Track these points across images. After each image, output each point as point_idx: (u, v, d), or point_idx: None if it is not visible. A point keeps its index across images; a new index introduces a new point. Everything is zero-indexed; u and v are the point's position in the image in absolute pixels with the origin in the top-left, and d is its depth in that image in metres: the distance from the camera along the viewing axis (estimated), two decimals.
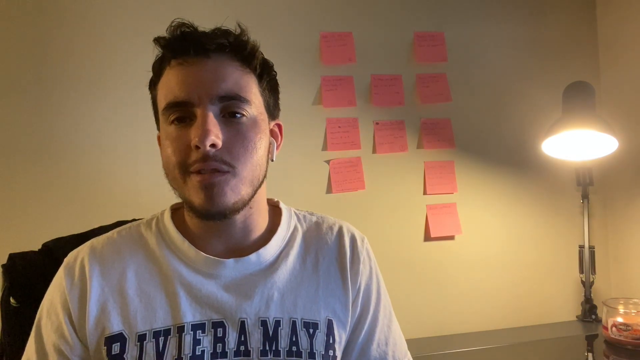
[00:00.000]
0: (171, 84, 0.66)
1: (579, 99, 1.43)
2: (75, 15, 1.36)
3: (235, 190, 0.65)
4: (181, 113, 0.66)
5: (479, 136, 1.64)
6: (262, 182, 0.71)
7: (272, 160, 0.74)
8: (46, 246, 0.88)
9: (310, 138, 1.51)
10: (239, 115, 0.67)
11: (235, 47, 0.68)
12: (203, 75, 0.65)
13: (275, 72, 0.75)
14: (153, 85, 0.72)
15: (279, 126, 0.78)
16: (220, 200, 0.64)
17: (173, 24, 0.68)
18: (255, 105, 0.69)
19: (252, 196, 0.69)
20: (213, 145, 0.63)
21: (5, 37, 1.32)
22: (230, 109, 0.66)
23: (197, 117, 0.64)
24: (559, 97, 1.51)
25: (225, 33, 0.68)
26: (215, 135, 0.63)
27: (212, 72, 0.66)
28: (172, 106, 0.66)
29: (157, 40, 0.69)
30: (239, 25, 0.69)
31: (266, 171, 0.71)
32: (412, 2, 1.62)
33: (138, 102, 1.38)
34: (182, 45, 0.66)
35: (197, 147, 0.63)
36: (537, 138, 1.55)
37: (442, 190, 1.60)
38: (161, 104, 0.68)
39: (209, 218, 0.67)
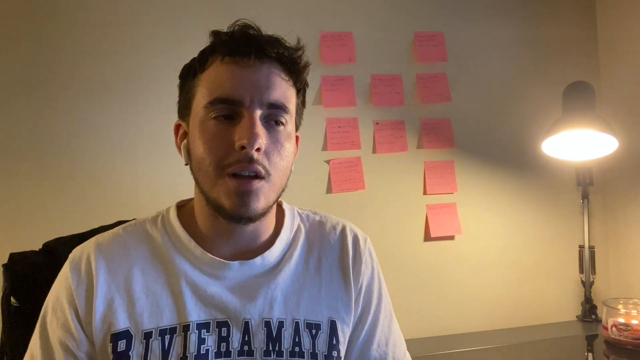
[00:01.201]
0: (222, 80, 0.66)
1: (579, 99, 1.43)
2: (78, 18, 1.36)
3: (267, 198, 0.67)
4: (227, 111, 0.65)
5: (479, 136, 1.64)
6: (283, 190, 0.72)
7: (292, 171, 0.74)
8: (47, 246, 0.87)
9: (310, 138, 1.51)
10: (280, 124, 0.68)
11: (291, 59, 0.69)
12: (257, 79, 0.66)
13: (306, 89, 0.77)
14: (193, 73, 0.70)
15: (297, 138, 0.79)
16: (254, 206, 0.65)
17: (238, 23, 0.68)
18: (292, 117, 0.71)
19: (274, 203, 0.71)
20: (258, 149, 0.64)
21: (8, 39, 1.32)
22: (274, 117, 0.67)
23: (245, 118, 0.65)
24: (559, 97, 1.51)
25: (284, 44, 0.69)
26: (262, 139, 0.64)
27: (266, 78, 0.67)
28: (220, 102, 0.65)
29: (217, 35, 0.69)
30: (299, 41, 0.71)
31: (287, 182, 0.72)
32: (412, 2, 1.62)
33: (139, 103, 1.39)
34: (245, 46, 0.66)
35: (242, 148, 0.63)
36: (537, 138, 1.55)
37: (442, 190, 1.60)
38: (204, 98, 0.67)
39: (236, 221, 0.67)
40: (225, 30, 0.69)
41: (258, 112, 0.65)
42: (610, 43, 1.73)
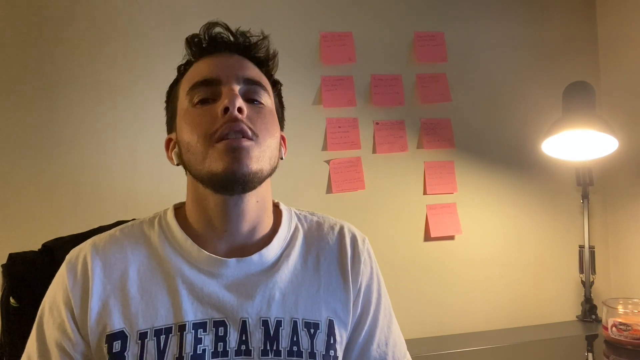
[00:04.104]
0: (199, 70, 0.71)
1: (579, 99, 1.43)
2: (78, 18, 1.36)
3: (258, 160, 0.67)
4: (207, 93, 0.69)
5: (479, 136, 1.64)
6: (274, 169, 0.72)
7: (282, 159, 0.76)
8: (46, 246, 0.87)
9: (310, 138, 1.51)
10: (259, 101, 0.71)
11: (259, 49, 0.75)
12: (231, 62, 0.72)
13: (282, 96, 0.81)
14: (175, 83, 0.77)
15: (283, 138, 0.79)
16: (245, 164, 0.65)
17: (208, 24, 0.74)
18: (271, 99, 0.75)
19: (266, 177, 0.71)
20: (240, 110, 0.66)
21: (8, 39, 1.32)
22: (252, 94, 0.71)
23: (224, 92, 0.68)
24: (559, 97, 1.51)
25: (249, 36, 0.75)
26: (242, 103, 0.67)
27: (239, 61, 0.73)
28: (199, 85, 0.69)
29: (192, 38, 0.74)
30: (262, 33, 0.76)
31: (277, 164, 0.73)
32: (412, 2, 1.62)
33: (139, 104, 1.39)
34: (216, 42, 0.73)
35: (225, 111, 0.65)
36: (537, 138, 1.55)
37: (442, 190, 1.60)
38: (185, 89, 0.71)
39: (229, 184, 0.66)
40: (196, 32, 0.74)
41: (236, 87, 0.69)
42: (610, 43, 1.73)
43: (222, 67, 0.70)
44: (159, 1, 1.42)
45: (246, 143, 0.65)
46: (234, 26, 0.75)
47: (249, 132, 0.66)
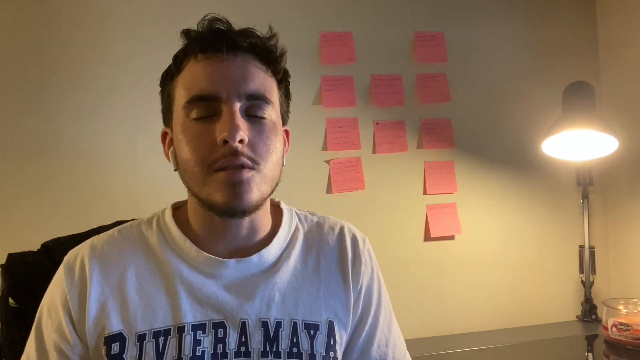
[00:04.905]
0: (197, 77, 0.66)
1: (579, 99, 1.43)
2: (76, 18, 1.36)
3: (260, 188, 0.65)
4: (205, 108, 0.65)
5: (479, 136, 1.64)
6: (277, 184, 0.70)
7: (283, 165, 0.73)
8: (45, 246, 0.87)
9: (310, 138, 1.50)
10: (261, 116, 0.67)
11: (265, 49, 0.69)
12: (232, 72, 0.65)
13: (289, 81, 0.76)
14: (170, 78, 0.71)
15: (287, 132, 0.78)
16: (246, 197, 0.63)
17: (207, 17, 0.67)
18: (275, 108, 0.70)
19: (268, 196, 0.70)
20: (241, 141, 0.63)
21: (5, 37, 1.31)
22: (254, 109, 0.66)
23: (224, 113, 0.64)
24: (559, 97, 1.51)
25: (256, 34, 0.69)
26: (244, 131, 0.63)
27: (241, 70, 0.66)
28: (197, 100, 0.65)
29: (187, 33, 0.69)
30: (270, 29, 0.70)
31: (279, 178, 0.71)
32: (412, 2, 1.62)
33: (138, 103, 1.38)
34: (215, 40, 0.66)
35: (225, 143, 0.62)
36: (537, 138, 1.55)
37: (442, 190, 1.59)
38: (182, 98, 0.66)
39: (230, 215, 0.66)
40: (195, 28, 0.68)
41: (237, 105, 0.64)
42: (610, 43, 1.72)
43: (223, 79, 0.64)
44: (157, 0, 1.41)
45: (247, 175, 0.63)
46: (264, 29, 0.70)
47: (250, 163, 0.64)
